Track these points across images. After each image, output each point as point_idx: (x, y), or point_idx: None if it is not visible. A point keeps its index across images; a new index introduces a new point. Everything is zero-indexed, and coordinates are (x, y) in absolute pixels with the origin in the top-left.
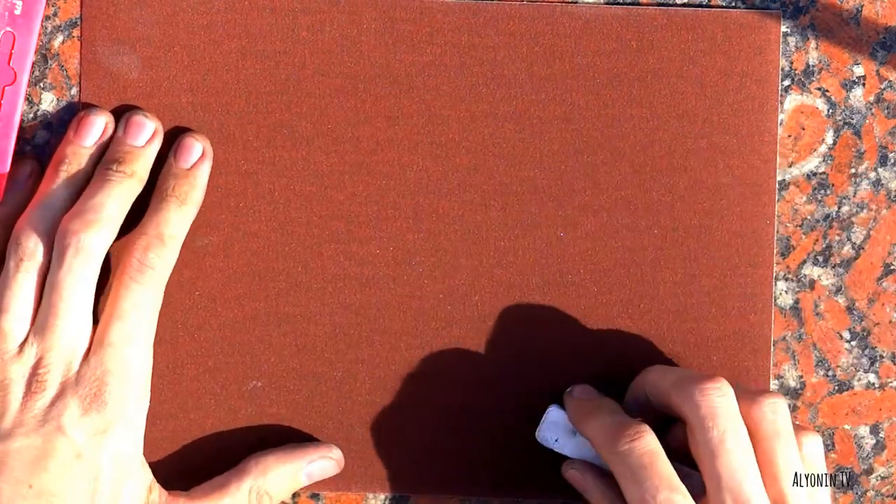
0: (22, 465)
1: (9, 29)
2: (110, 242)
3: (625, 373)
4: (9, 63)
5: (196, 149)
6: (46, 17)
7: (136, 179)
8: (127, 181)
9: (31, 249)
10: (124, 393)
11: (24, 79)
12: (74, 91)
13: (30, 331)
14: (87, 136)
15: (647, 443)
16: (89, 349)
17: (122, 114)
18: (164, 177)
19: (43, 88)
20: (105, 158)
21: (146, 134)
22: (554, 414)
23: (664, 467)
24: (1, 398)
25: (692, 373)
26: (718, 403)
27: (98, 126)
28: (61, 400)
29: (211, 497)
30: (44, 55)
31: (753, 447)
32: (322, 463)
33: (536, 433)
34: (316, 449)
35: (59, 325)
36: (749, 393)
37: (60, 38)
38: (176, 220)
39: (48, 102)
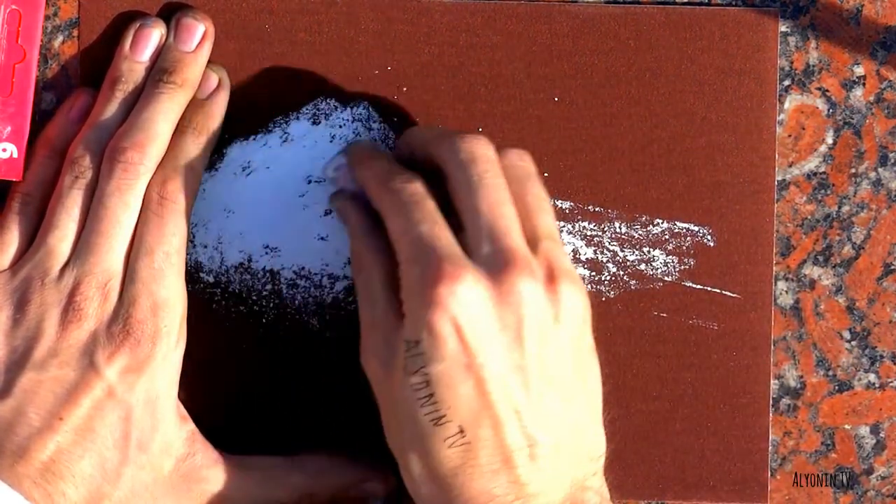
0: (54, 396)
1: (14, 7)
2: (159, 160)
3: (629, 379)
4: (17, 41)
5: (212, 79)
6: (46, 17)
7: (186, 88)
8: (177, 93)
9: (87, 167)
10: (157, 331)
11: (35, 55)
12: None
13: (72, 254)
14: (142, 50)
15: (417, 187)
16: (122, 286)
17: (173, 13)
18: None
19: (43, 88)
20: (156, 68)
21: (196, 37)
22: (339, 158)
23: (430, 205)
24: (37, 324)
25: (454, 129)
26: (476, 148)
27: (154, 39)
28: (95, 334)
29: (254, 473)
30: (44, 55)
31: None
32: (374, 485)
33: (322, 168)
34: (374, 472)
35: (102, 244)
36: (499, 149)
37: (60, 38)
38: (192, 150)
39: (48, 102)
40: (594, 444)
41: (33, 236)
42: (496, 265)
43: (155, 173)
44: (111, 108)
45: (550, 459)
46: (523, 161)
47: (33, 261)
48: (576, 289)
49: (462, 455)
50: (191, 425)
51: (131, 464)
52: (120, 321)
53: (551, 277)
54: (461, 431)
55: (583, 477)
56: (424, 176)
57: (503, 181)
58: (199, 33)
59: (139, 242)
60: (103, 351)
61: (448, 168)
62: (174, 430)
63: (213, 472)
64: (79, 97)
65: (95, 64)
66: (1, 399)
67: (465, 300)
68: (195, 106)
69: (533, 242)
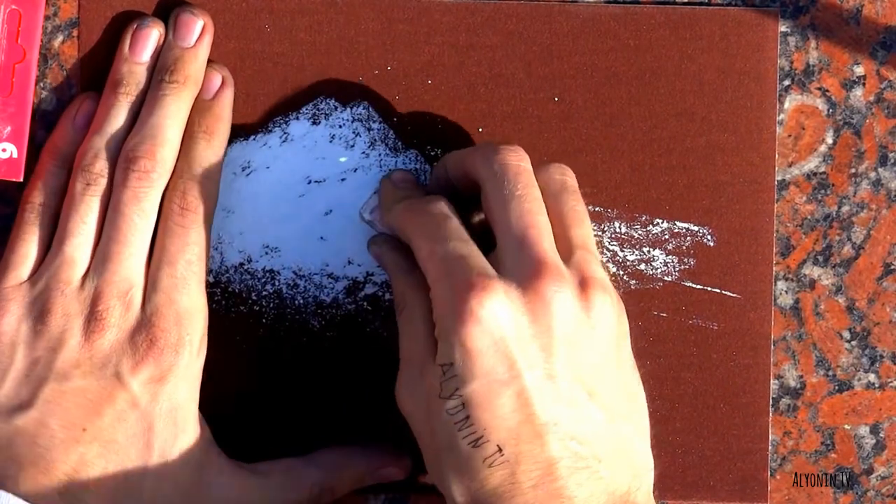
0: (77, 407)
1: (14, 7)
2: (173, 163)
3: None
4: (17, 41)
5: (216, 78)
6: (46, 17)
7: (190, 85)
8: (181, 92)
9: (97, 174)
10: (180, 340)
11: (34, 56)
12: (74, 91)
13: (91, 262)
14: (141, 51)
15: (440, 206)
16: (144, 295)
17: (171, 10)
18: (190, 113)
19: (43, 88)
20: (158, 67)
21: (195, 32)
22: (373, 199)
23: (454, 223)
24: (59, 335)
25: (489, 142)
26: (512, 160)
27: (152, 39)
28: (118, 344)
29: (271, 477)
30: (44, 55)
31: (546, 206)
32: (391, 470)
33: (360, 210)
34: (389, 455)
35: (121, 252)
36: (540, 164)
37: (60, 38)
38: (206, 155)
39: (48, 102)
40: (641, 459)
41: (50, 247)
42: (526, 274)
43: (174, 183)
44: (115, 112)
45: (591, 472)
46: (563, 175)
47: (51, 270)
48: (608, 298)
49: (502, 474)
50: (208, 434)
51: (152, 474)
52: (143, 330)
53: (583, 286)
54: (500, 450)
55: (627, 491)
56: (461, 201)
57: (536, 192)
58: (197, 28)
59: (161, 252)
60: (128, 361)
61: (481, 181)
62: (193, 439)
63: (231, 480)
64: (83, 103)
65: (96, 64)
66: (23, 410)
67: (497, 312)
68: (202, 108)
69: (566, 253)
